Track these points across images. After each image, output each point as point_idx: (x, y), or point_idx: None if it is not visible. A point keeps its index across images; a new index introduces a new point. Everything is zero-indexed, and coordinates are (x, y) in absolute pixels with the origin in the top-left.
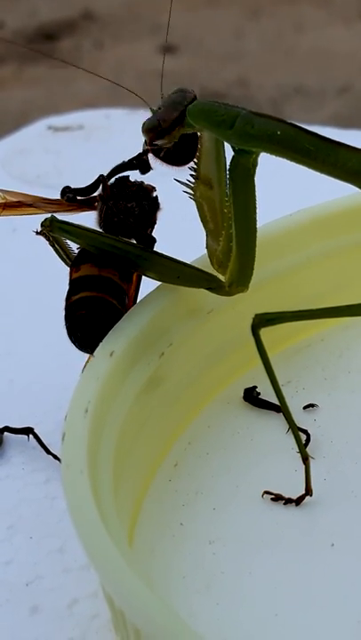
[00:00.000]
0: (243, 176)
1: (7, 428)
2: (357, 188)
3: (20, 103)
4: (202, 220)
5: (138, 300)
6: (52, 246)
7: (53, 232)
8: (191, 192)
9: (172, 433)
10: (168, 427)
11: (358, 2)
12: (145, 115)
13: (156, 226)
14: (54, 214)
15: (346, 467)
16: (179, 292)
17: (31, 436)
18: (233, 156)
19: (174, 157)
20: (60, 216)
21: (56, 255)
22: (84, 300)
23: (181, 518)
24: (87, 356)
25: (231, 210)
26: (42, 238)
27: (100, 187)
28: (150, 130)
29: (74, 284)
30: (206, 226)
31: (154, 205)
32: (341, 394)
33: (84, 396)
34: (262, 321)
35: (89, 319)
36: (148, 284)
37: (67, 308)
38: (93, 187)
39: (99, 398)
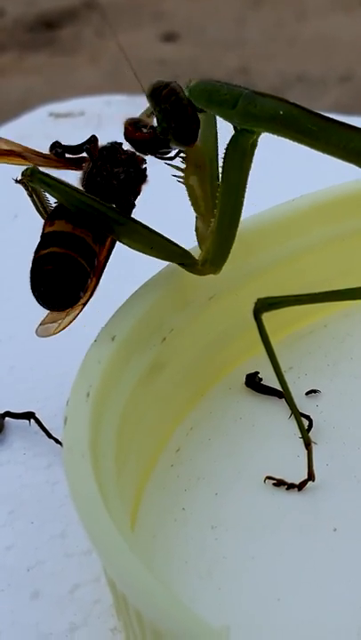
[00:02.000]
0: (238, 155)
1: (8, 413)
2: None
3: (20, 91)
4: (192, 204)
5: (106, 267)
6: (30, 197)
7: (33, 182)
8: (181, 175)
9: (174, 418)
10: (170, 412)
11: None
12: (145, 102)
13: (138, 197)
14: (38, 166)
15: (348, 452)
16: (181, 278)
17: (32, 420)
18: (233, 136)
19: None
20: (45, 170)
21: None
22: (52, 255)
23: (184, 503)
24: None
25: (220, 192)
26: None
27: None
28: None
29: (45, 237)
30: (196, 209)
31: (140, 176)
32: (344, 380)
33: (85, 381)
34: (264, 305)
35: (55, 275)
36: (152, 266)
37: (34, 262)
38: (83, 146)
39: (101, 383)
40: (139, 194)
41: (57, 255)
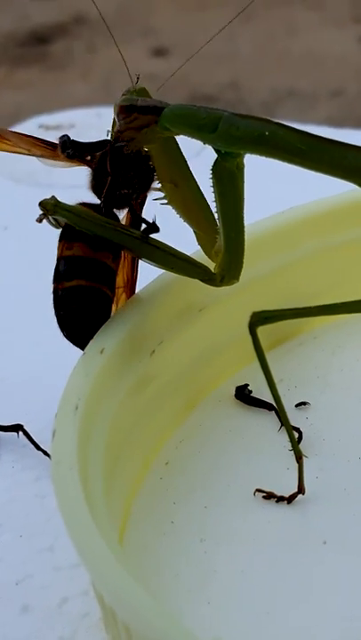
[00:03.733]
0: (229, 180)
1: None
2: (355, 185)
3: (11, 106)
4: (186, 221)
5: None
6: (52, 224)
7: (56, 214)
8: (162, 197)
9: (163, 431)
10: (159, 425)
11: (351, 5)
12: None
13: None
14: (55, 197)
15: (338, 465)
16: (170, 290)
17: (21, 433)
18: (216, 160)
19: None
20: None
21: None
22: (78, 290)
23: (173, 516)
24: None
25: (218, 211)
26: (32, 236)
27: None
28: (124, 102)
29: (67, 264)
30: (192, 225)
31: (149, 174)
32: (334, 392)
33: (74, 393)
34: (260, 319)
35: (83, 314)
36: (141, 279)
37: (58, 296)
38: (96, 148)
39: (89, 395)
40: (146, 196)
41: (83, 290)
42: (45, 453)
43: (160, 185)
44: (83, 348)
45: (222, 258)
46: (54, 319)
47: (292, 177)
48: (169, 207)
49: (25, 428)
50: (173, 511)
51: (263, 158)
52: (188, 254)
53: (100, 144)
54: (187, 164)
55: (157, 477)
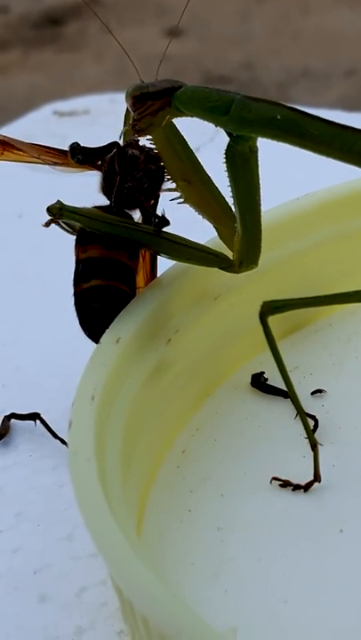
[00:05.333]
0: (242, 163)
1: (14, 415)
2: None
3: (25, 88)
4: (204, 217)
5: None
6: (63, 229)
7: (63, 218)
8: (178, 196)
9: (179, 419)
10: (175, 413)
11: None
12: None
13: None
14: (60, 200)
15: (354, 452)
16: (185, 279)
17: (38, 422)
18: (228, 144)
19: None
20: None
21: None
22: (96, 289)
23: (189, 505)
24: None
25: (233, 196)
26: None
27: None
28: (135, 91)
29: (83, 266)
30: (211, 220)
31: (158, 174)
32: (349, 379)
33: (90, 383)
34: (270, 308)
35: (102, 312)
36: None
37: (77, 297)
38: (105, 151)
39: (105, 385)
40: (159, 195)
41: (101, 289)
42: (63, 442)
43: (174, 184)
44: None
45: (240, 243)
46: (70, 307)
47: (308, 163)
48: (176, 201)
49: (42, 416)
50: (190, 500)
51: (278, 145)
52: (203, 243)
53: (109, 147)
54: (197, 160)
55: (174, 466)
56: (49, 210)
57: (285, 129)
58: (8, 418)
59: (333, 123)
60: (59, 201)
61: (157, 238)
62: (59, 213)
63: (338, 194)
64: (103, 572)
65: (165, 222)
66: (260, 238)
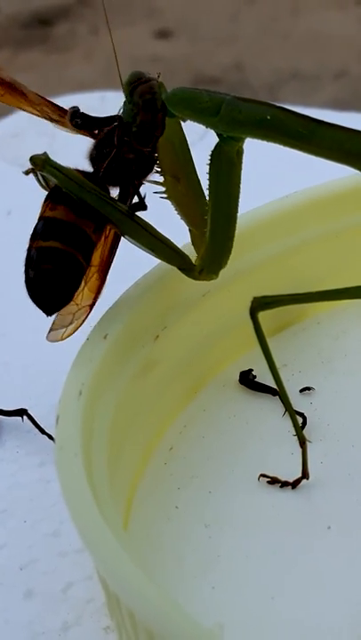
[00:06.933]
0: (225, 165)
1: (0, 411)
2: (356, 170)
3: None
4: (181, 216)
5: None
6: (38, 182)
7: (44, 170)
8: (162, 190)
9: (167, 416)
10: (163, 410)
11: None
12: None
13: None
14: (47, 153)
15: (342, 450)
16: (173, 275)
17: (25, 418)
18: (216, 144)
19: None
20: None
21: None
22: (52, 251)
23: (177, 501)
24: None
25: (210, 198)
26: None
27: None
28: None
29: (46, 224)
30: (186, 221)
31: (150, 162)
32: (338, 377)
33: (77, 379)
34: (261, 304)
35: (52, 276)
36: (144, 264)
37: (31, 253)
38: (104, 122)
39: (93, 381)
40: (144, 177)
41: (57, 252)
42: (50, 437)
43: (162, 178)
44: (46, 312)
45: (205, 250)
46: (24, 264)
47: (296, 161)
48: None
49: (29, 412)
50: (177, 496)
51: (266, 143)
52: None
53: (110, 119)
54: (192, 161)
55: (161, 462)
56: (32, 159)
57: (275, 129)
58: None
59: (323, 122)
60: (45, 153)
61: (127, 219)
62: (41, 165)
63: (326, 192)
64: (90, 568)
65: (142, 207)
66: (229, 250)
